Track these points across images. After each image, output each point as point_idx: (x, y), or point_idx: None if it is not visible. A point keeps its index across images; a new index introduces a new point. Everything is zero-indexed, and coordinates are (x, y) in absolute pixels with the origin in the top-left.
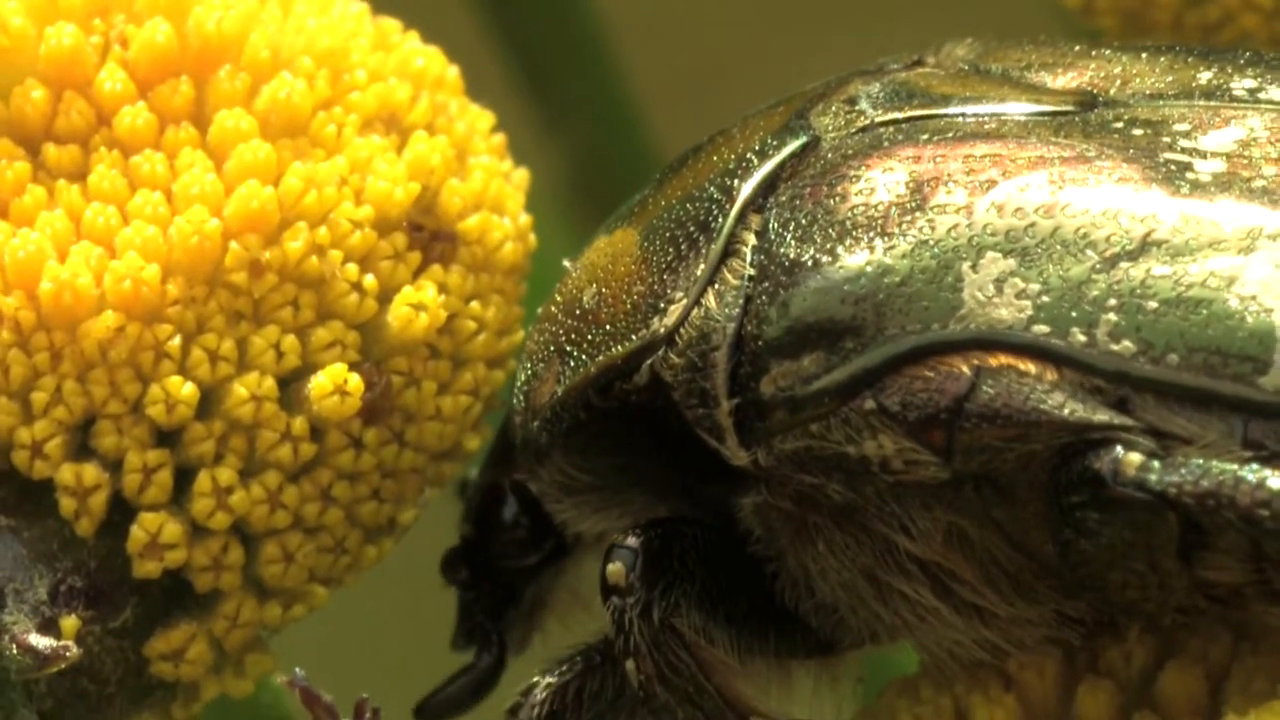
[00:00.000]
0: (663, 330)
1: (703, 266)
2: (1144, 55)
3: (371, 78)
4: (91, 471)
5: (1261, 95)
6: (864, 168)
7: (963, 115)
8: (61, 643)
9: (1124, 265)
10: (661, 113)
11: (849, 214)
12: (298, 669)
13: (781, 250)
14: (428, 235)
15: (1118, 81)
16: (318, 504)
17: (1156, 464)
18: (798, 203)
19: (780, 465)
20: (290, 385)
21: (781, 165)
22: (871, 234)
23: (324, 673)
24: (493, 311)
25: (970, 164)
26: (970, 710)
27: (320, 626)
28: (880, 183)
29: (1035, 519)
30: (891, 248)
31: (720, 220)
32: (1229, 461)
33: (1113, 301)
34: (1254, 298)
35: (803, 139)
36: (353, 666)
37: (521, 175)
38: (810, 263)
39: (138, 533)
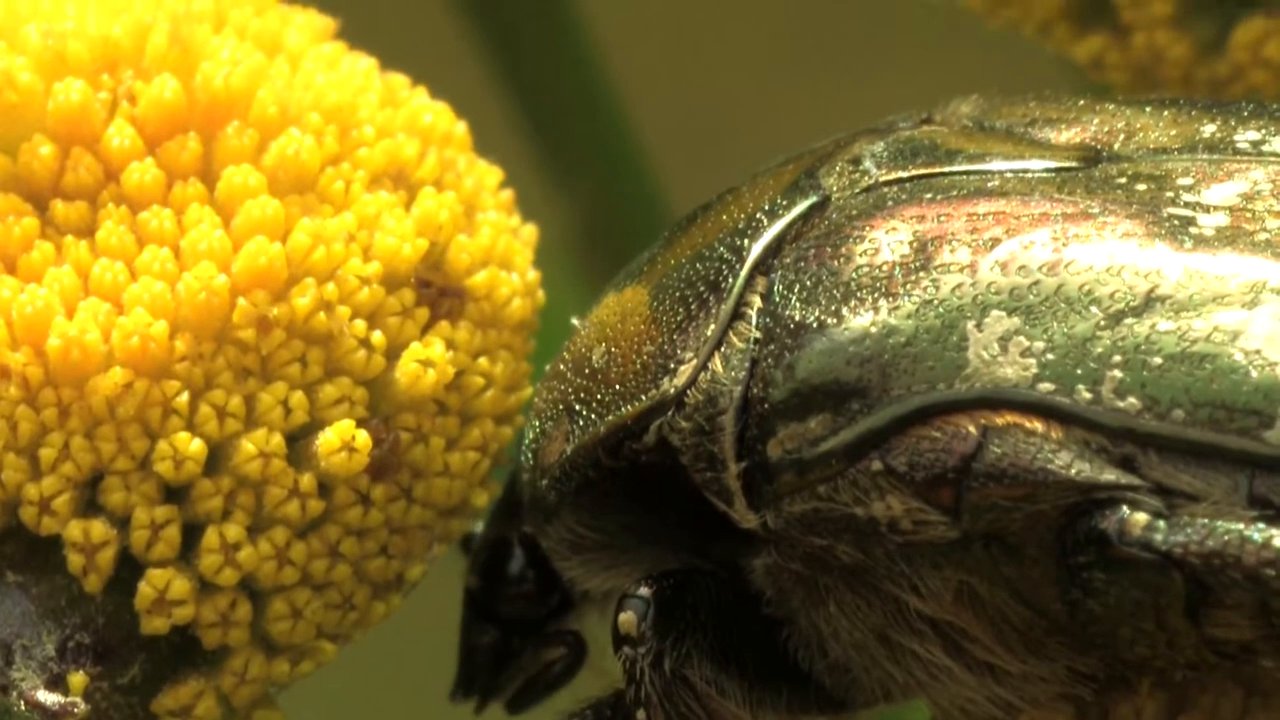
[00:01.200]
0: (673, 390)
1: (713, 327)
2: (1148, 109)
3: (379, 134)
4: (99, 528)
5: (1265, 148)
6: (868, 228)
7: (966, 173)
8: (69, 699)
9: (1128, 321)
10: (671, 166)
11: (853, 275)
12: None
13: (786, 313)
14: (436, 291)
15: (1121, 136)
16: (326, 560)
17: (1162, 524)
18: (802, 264)
19: (789, 527)
20: (298, 442)
21: (791, 225)
22: (876, 295)
23: None
24: (501, 367)
25: (974, 223)
26: None
27: (329, 682)
28: (884, 243)
29: (1044, 577)
30: (896, 308)
31: (730, 280)
32: (1235, 521)
33: (1117, 358)
34: (1258, 352)
35: (812, 199)
36: None
37: (530, 231)
38: (815, 325)
39: (146, 589)
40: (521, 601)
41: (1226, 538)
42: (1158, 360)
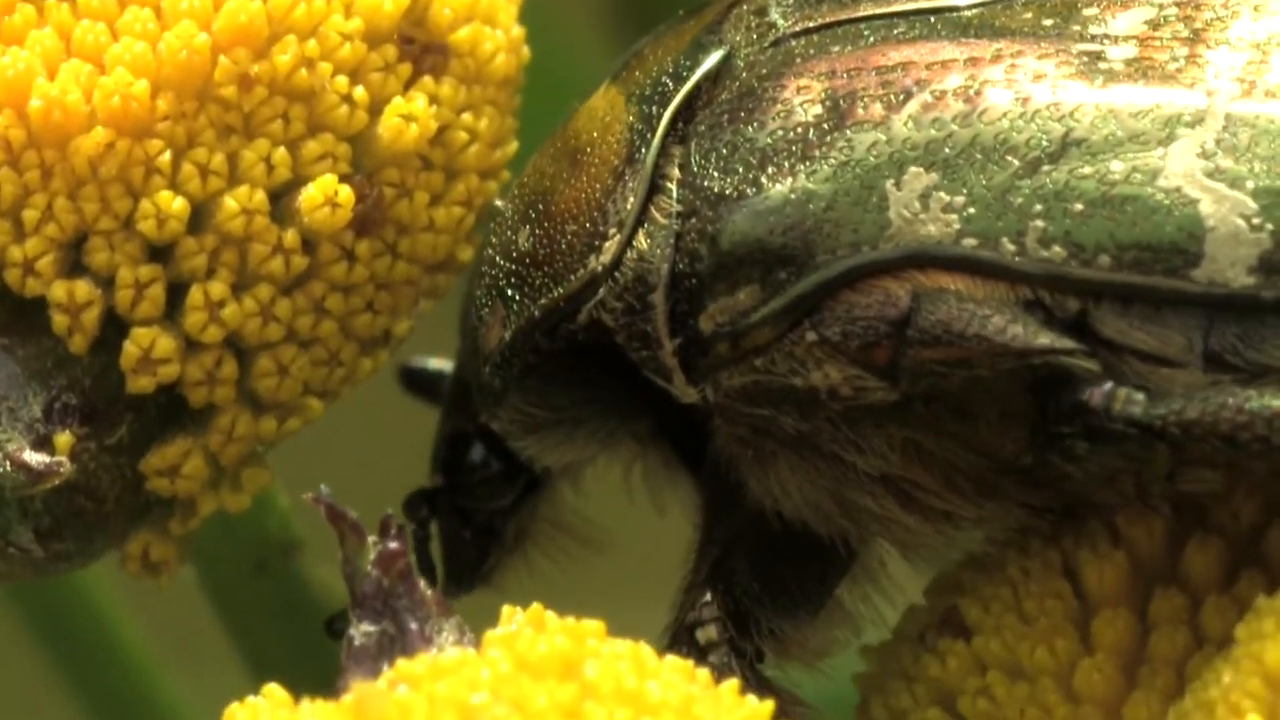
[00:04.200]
0: (600, 268)
1: (632, 200)
2: None
3: None
4: (84, 288)
5: None
6: (779, 89)
7: (873, 19)
8: (55, 459)
9: (1046, 168)
10: None
11: (769, 140)
12: (323, 485)
13: (705, 184)
14: (418, 48)
15: None
16: (311, 316)
17: (1142, 397)
18: (717, 131)
19: (729, 400)
20: (282, 199)
21: (698, 87)
22: (793, 160)
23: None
24: (485, 123)
25: (884, 75)
26: (1079, 566)
27: (334, 451)
28: (797, 104)
29: (991, 428)
30: (814, 172)
31: (643, 151)
32: (1210, 388)
33: (1039, 207)
34: (1179, 190)
35: (716, 55)
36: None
37: None
38: (735, 195)
39: (130, 348)
40: (489, 488)
41: (1204, 406)
42: (1079, 206)
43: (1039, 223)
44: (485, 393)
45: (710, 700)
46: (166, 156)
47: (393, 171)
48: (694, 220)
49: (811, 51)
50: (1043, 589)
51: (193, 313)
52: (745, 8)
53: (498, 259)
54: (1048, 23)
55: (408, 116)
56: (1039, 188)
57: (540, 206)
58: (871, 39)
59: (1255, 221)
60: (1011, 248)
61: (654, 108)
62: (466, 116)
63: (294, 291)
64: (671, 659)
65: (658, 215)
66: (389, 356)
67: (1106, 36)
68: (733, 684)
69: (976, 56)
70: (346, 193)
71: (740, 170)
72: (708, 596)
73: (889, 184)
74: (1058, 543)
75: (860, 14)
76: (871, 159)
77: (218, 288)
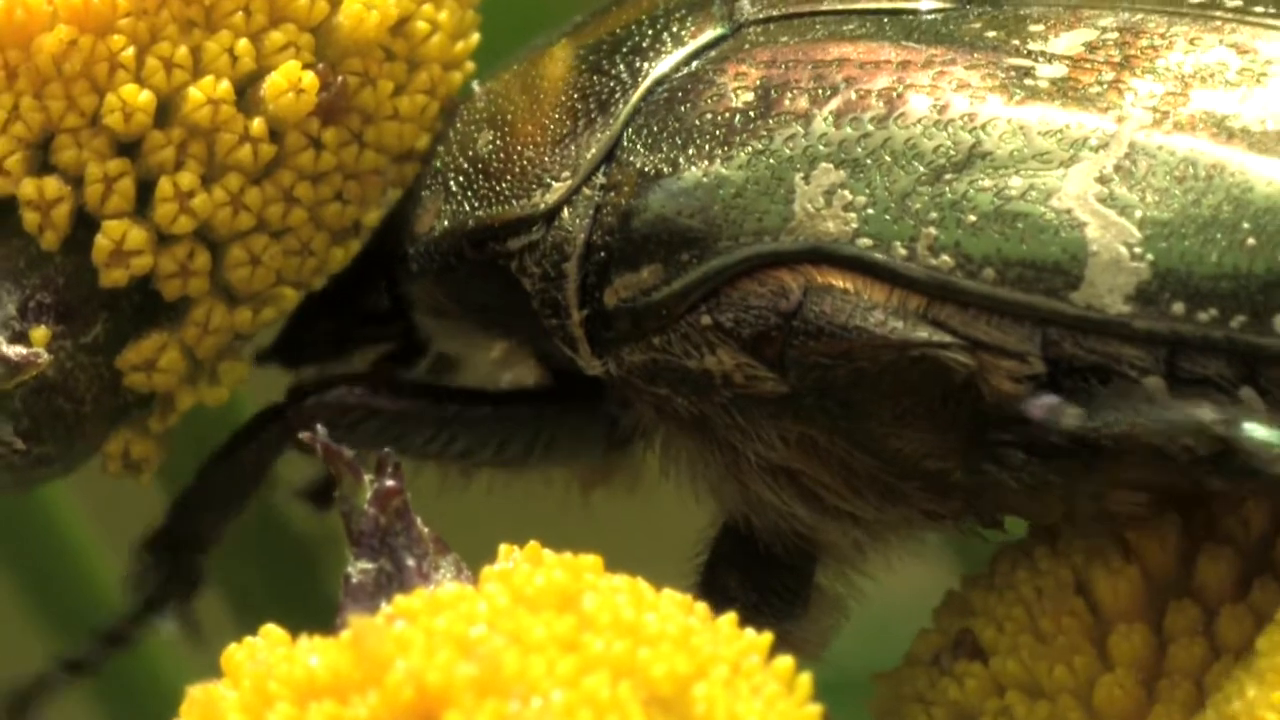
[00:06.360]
0: (543, 206)
1: (593, 151)
2: None
3: None
4: (53, 184)
5: None
6: (719, 74)
7: (829, 14)
8: (32, 350)
9: (948, 178)
10: None
11: (696, 122)
12: (319, 425)
13: (630, 159)
14: None
15: None
16: (281, 205)
17: (1079, 410)
18: (654, 110)
19: (630, 375)
20: (247, 90)
21: (692, 57)
22: (713, 144)
23: None
24: (446, 14)
25: (818, 70)
26: (1092, 582)
27: None
28: (730, 90)
29: (883, 429)
30: (730, 158)
31: (621, 106)
32: (1143, 404)
33: (934, 215)
34: (1069, 211)
35: (714, 31)
36: None
37: None
38: (653, 173)
39: (102, 241)
40: (371, 319)
41: (1135, 418)
42: (972, 218)
43: (932, 230)
44: (402, 269)
45: (709, 632)
46: (130, 51)
47: (355, 60)
48: (613, 194)
49: (762, 40)
50: (1057, 607)
51: (163, 205)
52: None
53: (454, 149)
54: (990, 34)
55: (368, 4)
56: (938, 195)
57: (509, 117)
58: (820, 33)
59: (1137, 250)
60: (903, 252)
61: (644, 63)
62: (427, 7)
63: (263, 181)
64: (669, 591)
65: (583, 187)
66: (359, 247)
67: (1042, 54)
68: (731, 616)
69: (909, 61)
70: (310, 78)
71: (664, 150)
72: None
73: (799, 177)
74: (1069, 559)
75: (820, 8)
76: (786, 151)
77: (187, 179)
